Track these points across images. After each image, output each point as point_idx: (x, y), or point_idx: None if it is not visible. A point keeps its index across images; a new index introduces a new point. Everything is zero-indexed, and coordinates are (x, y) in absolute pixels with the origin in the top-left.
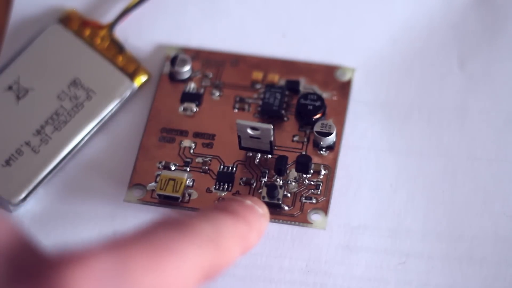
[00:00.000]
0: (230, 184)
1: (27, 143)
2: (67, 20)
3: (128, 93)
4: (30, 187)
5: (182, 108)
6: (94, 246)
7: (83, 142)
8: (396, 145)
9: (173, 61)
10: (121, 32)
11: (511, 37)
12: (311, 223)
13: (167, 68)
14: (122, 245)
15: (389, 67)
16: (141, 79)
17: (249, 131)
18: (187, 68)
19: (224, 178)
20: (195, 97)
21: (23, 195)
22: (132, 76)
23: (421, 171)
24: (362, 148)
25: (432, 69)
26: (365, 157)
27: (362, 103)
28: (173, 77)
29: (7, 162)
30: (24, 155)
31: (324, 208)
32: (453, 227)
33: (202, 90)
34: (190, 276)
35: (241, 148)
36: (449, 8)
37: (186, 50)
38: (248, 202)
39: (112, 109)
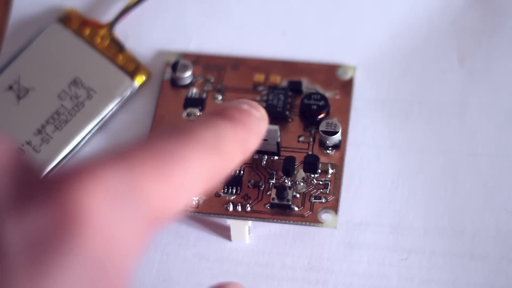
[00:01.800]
0: (239, 187)
1: (28, 143)
2: (67, 19)
3: (128, 92)
4: None
5: (185, 114)
6: (100, 158)
7: (84, 141)
8: (397, 142)
9: (174, 67)
10: (121, 32)
11: (511, 33)
12: (322, 223)
13: (168, 74)
14: (128, 155)
15: (389, 64)
16: (142, 78)
17: None
18: (188, 73)
19: (232, 181)
20: (198, 102)
21: None
22: (132, 75)
23: (422, 167)
24: (363, 145)
25: (432, 65)
26: (366, 154)
27: (362, 101)
28: (174, 83)
29: None
30: (25, 154)
31: (334, 207)
32: (455, 223)
33: (204, 95)
34: (197, 182)
35: None
36: (449, 5)
37: (186, 55)
38: (245, 106)
39: (112, 108)
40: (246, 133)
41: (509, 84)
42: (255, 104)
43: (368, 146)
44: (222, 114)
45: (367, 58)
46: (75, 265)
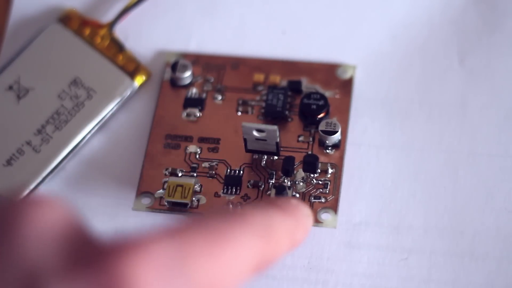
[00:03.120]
0: (238, 188)
1: (28, 143)
2: (67, 19)
3: (128, 92)
4: (31, 187)
5: (185, 114)
6: (151, 233)
7: (84, 141)
8: (397, 141)
9: (174, 67)
10: (121, 32)
11: (511, 32)
12: (321, 222)
13: (167, 74)
14: (180, 232)
15: (389, 63)
16: (142, 78)
17: (255, 133)
18: (188, 73)
19: (232, 181)
20: (197, 102)
21: (24, 195)
22: (132, 75)
23: (422, 167)
24: (362, 144)
25: (433, 65)
26: (366, 154)
27: (362, 100)
28: (174, 83)
29: (8, 162)
30: (25, 154)
31: (334, 206)
32: (455, 222)
33: (204, 95)
34: (245, 265)
35: (247, 150)
36: (449, 4)
37: (185, 56)
38: (294, 201)
39: (112, 108)
40: (296, 224)
41: (509, 84)
42: (301, 203)
43: (368, 146)
44: (274, 203)
45: (367, 58)
46: None
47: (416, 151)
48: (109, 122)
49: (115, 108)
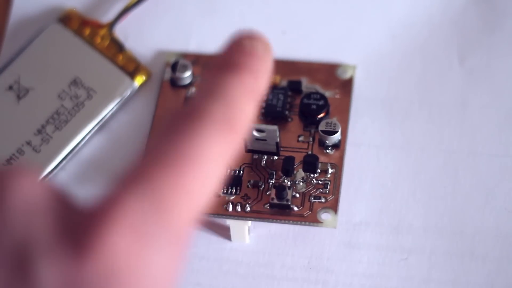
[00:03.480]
0: (238, 188)
1: (28, 143)
2: (67, 19)
3: (128, 92)
4: None
5: None
6: (120, 185)
7: (84, 141)
8: (397, 141)
9: (174, 67)
10: (121, 32)
11: (511, 32)
12: (322, 223)
13: (167, 74)
14: (144, 173)
15: (389, 63)
16: (142, 78)
17: (255, 133)
18: (188, 73)
19: (232, 181)
20: None
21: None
22: (132, 75)
23: (422, 167)
24: (362, 144)
25: (432, 65)
26: (366, 154)
27: (362, 100)
28: (174, 83)
29: (8, 162)
30: (25, 154)
31: (334, 206)
32: (455, 222)
33: None
34: (217, 171)
35: (247, 151)
36: (449, 4)
37: (185, 56)
38: (247, 43)
39: (112, 108)
40: (255, 80)
41: (509, 84)
42: (256, 35)
43: (368, 146)
44: (226, 64)
45: (367, 58)
46: None
47: (416, 151)
48: (109, 122)
49: (115, 108)
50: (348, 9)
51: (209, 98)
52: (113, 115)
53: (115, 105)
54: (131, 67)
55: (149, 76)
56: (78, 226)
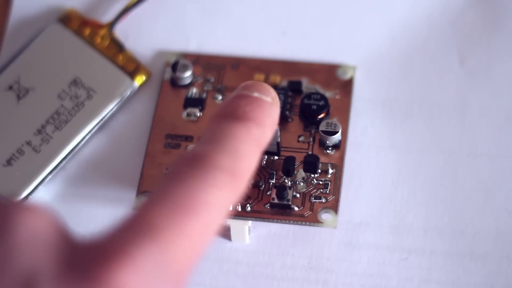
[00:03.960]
0: None
1: (28, 143)
2: (67, 19)
3: (128, 92)
4: (31, 187)
5: (185, 114)
6: (130, 235)
7: (84, 141)
8: (397, 142)
9: (174, 67)
10: (121, 32)
11: (511, 33)
12: (322, 223)
13: (168, 74)
14: (151, 223)
15: (389, 64)
16: (142, 78)
17: None
18: (188, 73)
19: None
20: (198, 102)
21: (24, 195)
22: (132, 75)
23: (422, 167)
24: (363, 145)
25: (432, 65)
26: (366, 154)
27: (362, 101)
28: (174, 82)
29: (8, 162)
30: (25, 154)
31: (334, 207)
32: (455, 223)
33: (204, 95)
34: (219, 217)
35: None
36: (449, 5)
37: (186, 55)
38: (255, 94)
39: (112, 108)
40: (261, 130)
41: (509, 84)
42: (264, 87)
43: (368, 146)
44: (232, 114)
45: (367, 58)
46: None
47: (416, 151)
48: (109, 122)
49: (115, 108)
50: (348, 10)
51: (215, 147)
52: (113, 115)
53: (115, 105)
54: (131, 67)
55: (149, 76)
56: (83, 259)
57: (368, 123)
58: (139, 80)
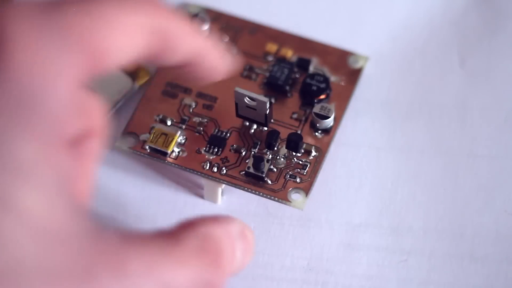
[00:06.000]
0: (220, 149)
1: None
2: None
3: (129, 93)
4: None
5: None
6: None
7: None
8: (397, 143)
9: (193, 19)
10: None
11: None
12: (290, 202)
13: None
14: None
15: (390, 65)
16: (143, 79)
17: (246, 100)
18: (205, 27)
19: (216, 141)
20: None
21: None
22: (132, 75)
23: (422, 168)
24: (363, 146)
25: (433, 66)
26: (366, 155)
27: (363, 101)
28: None
29: None
30: None
31: (306, 189)
32: (454, 224)
33: None
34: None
35: (237, 115)
36: (450, 6)
37: (208, 11)
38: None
39: (113, 108)
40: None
41: (510, 86)
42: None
43: (368, 147)
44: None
45: (367, 58)
46: None
47: (416, 152)
48: (109, 122)
49: (115, 109)
50: (349, 12)
51: None
52: (113, 115)
53: (115, 106)
54: (132, 68)
55: (150, 77)
56: None
57: (368, 124)
58: (140, 80)
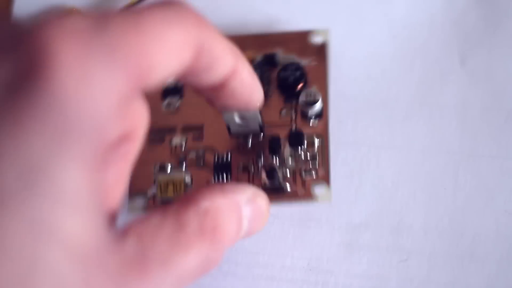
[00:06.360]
0: (229, 173)
1: None
2: None
3: None
4: None
5: (165, 104)
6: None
7: None
8: (397, 142)
9: None
10: None
11: None
12: (317, 198)
13: None
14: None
15: (390, 64)
16: None
17: (237, 120)
18: None
19: (221, 168)
20: (176, 91)
21: None
22: None
23: (422, 168)
24: (363, 145)
25: (433, 65)
26: (366, 155)
27: (363, 101)
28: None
29: None
30: None
31: (325, 178)
32: (455, 224)
33: (181, 82)
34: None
35: (231, 136)
36: (450, 5)
37: None
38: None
39: None
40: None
41: (510, 86)
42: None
43: (369, 147)
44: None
45: (367, 57)
46: (39, 111)
47: (416, 152)
48: None
49: None
50: (349, 11)
51: None
52: None
53: None
54: None
55: None
56: (14, 32)
57: (368, 123)
58: None
